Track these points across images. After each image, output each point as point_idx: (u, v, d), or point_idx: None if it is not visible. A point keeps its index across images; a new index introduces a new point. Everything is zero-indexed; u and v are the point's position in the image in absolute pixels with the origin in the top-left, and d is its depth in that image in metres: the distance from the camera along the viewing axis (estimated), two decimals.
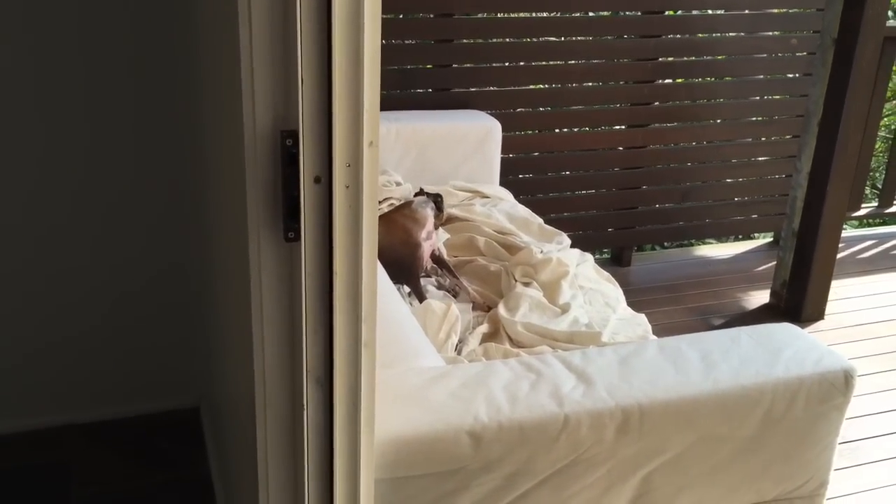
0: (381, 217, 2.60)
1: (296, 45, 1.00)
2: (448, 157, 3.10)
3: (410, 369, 1.56)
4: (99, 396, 2.46)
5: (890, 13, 4.35)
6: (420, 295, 2.33)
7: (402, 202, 2.58)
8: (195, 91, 2.03)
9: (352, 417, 1.18)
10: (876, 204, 4.20)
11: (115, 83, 2.21)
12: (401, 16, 3.26)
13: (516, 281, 2.43)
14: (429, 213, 2.47)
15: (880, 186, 4.37)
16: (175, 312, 2.46)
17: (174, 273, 2.42)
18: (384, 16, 1.04)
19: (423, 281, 2.39)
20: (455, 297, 2.38)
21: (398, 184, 2.95)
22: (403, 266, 2.39)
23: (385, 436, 1.32)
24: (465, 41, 3.35)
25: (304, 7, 1.00)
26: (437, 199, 2.54)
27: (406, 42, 3.32)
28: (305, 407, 1.16)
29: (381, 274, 1.98)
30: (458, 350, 2.13)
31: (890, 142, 4.54)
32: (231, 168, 1.31)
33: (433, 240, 2.47)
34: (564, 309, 2.28)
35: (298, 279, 1.10)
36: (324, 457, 1.20)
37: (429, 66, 3.38)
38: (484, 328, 2.22)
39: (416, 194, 2.61)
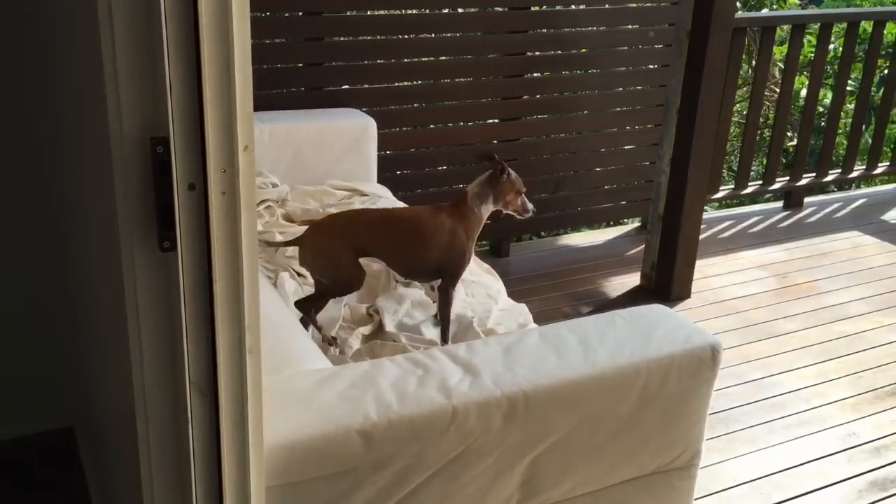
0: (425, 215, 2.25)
1: (162, 48, 0.98)
2: (324, 156, 3.07)
3: (297, 373, 1.54)
4: None
5: (738, 5, 4.62)
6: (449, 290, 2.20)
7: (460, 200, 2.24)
8: (56, 101, 1.93)
9: (239, 427, 1.16)
10: (733, 186, 4.46)
11: None
12: (267, 14, 3.20)
13: (397, 281, 2.44)
14: (485, 210, 2.24)
15: (736, 169, 4.64)
16: (41, 329, 2.33)
17: (39, 288, 2.30)
18: (250, 15, 1.02)
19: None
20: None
21: (274, 185, 2.91)
22: (444, 272, 2.22)
23: (275, 441, 1.31)
24: (335, 39, 3.32)
25: (168, 8, 0.97)
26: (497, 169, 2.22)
27: (276, 41, 3.27)
28: (190, 419, 1.13)
29: (263, 278, 1.95)
30: (340, 351, 2.12)
31: (743, 127, 4.83)
32: (100, 178, 1.26)
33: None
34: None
35: (176, 289, 1.07)
36: (211, 469, 1.17)
37: (300, 65, 3.34)
38: (366, 329, 2.22)
39: (482, 159, 2.26)
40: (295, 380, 1.51)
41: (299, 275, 2.43)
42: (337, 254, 2.14)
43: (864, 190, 5.23)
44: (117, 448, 1.61)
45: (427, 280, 2.32)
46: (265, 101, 3.15)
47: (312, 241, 2.18)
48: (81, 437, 2.34)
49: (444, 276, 2.21)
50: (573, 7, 3.78)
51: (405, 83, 3.60)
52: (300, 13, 3.27)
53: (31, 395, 2.36)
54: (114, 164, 1.02)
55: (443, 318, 2.21)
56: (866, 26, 5.07)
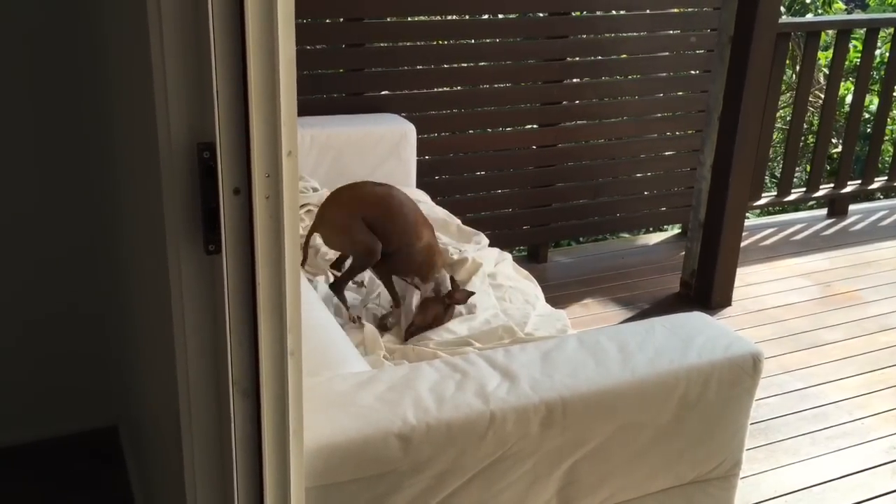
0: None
1: (209, 56, 1.00)
2: (364, 161, 3.10)
3: (337, 376, 1.56)
4: (8, 420, 2.36)
5: (782, 10, 4.56)
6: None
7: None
8: (105, 106, 1.97)
9: (280, 428, 1.18)
10: (775, 193, 4.40)
11: (12, 100, 2.13)
12: (308, 20, 3.24)
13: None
14: (438, 308, 2.27)
15: (779, 176, 4.58)
16: (86, 329, 2.38)
17: (84, 289, 2.35)
18: None
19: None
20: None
21: (315, 189, 2.94)
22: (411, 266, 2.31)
23: (314, 444, 1.32)
24: (376, 45, 3.35)
25: (216, 18, 0.99)
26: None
27: (317, 47, 3.30)
28: (233, 420, 1.15)
29: (304, 281, 1.97)
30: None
31: (786, 133, 4.76)
32: (147, 181, 1.29)
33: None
34: (470, 311, 2.31)
35: (221, 291, 1.09)
36: (253, 469, 1.19)
37: (340, 70, 3.38)
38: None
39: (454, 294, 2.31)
40: (334, 382, 1.53)
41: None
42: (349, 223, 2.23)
43: None
44: (160, 447, 1.64)
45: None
46: (306, 106, 3.19)
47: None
48: (125, 436, 2.39)
49: None
50: (614, 13, 3.77)
51: (444, 89, 3.62)
52: (341, 19, 3.31)
53: (75, 395, 2.41)
54: (161, 167, 1.04)
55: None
56: None
